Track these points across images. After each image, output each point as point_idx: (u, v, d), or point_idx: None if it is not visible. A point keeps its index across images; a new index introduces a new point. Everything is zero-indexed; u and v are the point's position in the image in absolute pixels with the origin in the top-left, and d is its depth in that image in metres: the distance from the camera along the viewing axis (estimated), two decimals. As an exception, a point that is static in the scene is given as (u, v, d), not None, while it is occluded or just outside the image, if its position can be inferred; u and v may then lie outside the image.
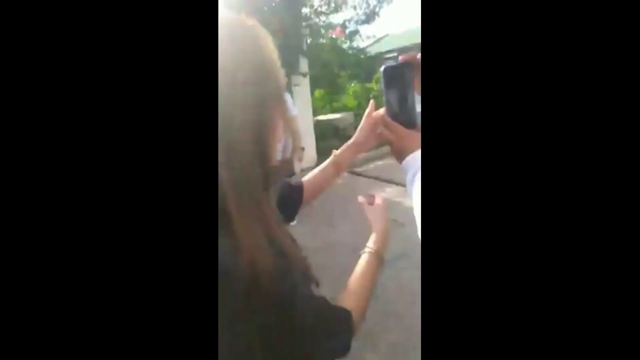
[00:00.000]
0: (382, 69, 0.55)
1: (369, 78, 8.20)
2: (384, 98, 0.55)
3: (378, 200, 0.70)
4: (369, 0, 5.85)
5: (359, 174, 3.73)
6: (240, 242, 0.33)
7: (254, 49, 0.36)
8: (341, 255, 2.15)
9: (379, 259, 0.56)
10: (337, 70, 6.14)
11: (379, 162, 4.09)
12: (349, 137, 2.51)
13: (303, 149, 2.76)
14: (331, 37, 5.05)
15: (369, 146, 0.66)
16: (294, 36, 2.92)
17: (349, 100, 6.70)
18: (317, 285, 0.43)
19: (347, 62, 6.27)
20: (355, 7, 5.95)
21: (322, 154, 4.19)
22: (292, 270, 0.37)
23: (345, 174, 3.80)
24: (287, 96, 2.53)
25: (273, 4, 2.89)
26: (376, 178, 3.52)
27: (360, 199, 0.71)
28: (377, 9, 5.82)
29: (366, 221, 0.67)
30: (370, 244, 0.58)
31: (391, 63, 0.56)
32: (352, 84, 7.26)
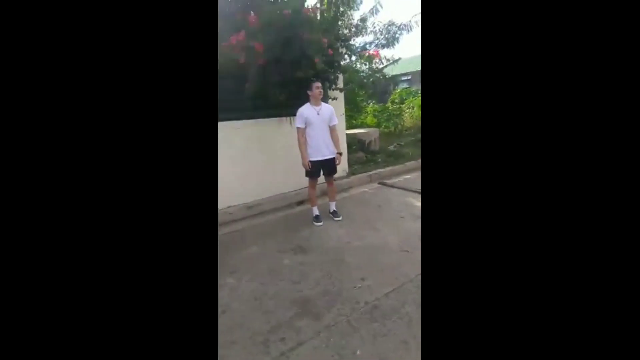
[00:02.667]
0: None
1: (382, 98, 8.53)
2: None
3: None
4: (390, 27, 6.25)
5: (390, 186, 3.86)
6: None
7: None
8: (385, 253, 2.25)
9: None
10: (357, 90, 6.42)
11: (407, 176, 4.25)
12: (374, 151, 2.95)
13: (340, 154, 2.92)
14: (367, 56, 5.35)
15: None
16: (337, 54, 3.17)
17: (368, 118, 6.96)
18: None
19: (366, 83, 6.57)
20: (376, 32, 6.35)
21: (350, 165, 4.35)
22: None
23: (379, 185, 3.91)
24: (332, 108, 2.72)
25: (319, 24, 3.14)
26: (404, 188, 3.66)
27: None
28: (397, 35, 6.22)
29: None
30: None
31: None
32: (371, 103, 7.55)
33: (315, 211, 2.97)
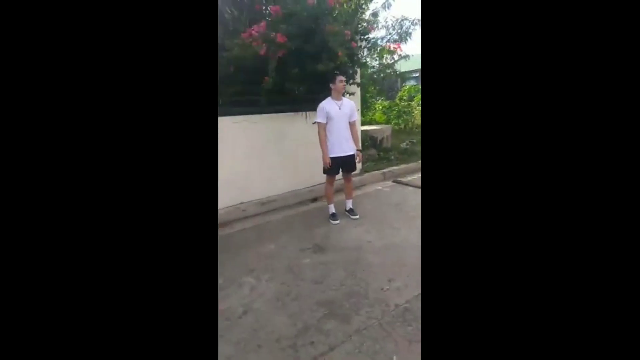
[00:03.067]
0: None
1: (389, 95, 8.42)
2: None
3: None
4: (403, 22, 6.14)
5: (405, 184, 3.78)
6: None
7: None
8: (409, 253, 2.17)
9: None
10: (367, 86, 6.32)
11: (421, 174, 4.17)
12: (386, 148, 2.83)
13: (360, 150, 2.83)
14: (388, 50, 5.23)
15: None
16: (356, 48, 3.07)
17: (377, 115, 6.86)
18: None
19: (376, 78, 6.46)
20: (388, 27, 6.24)
21: (363, 162, 4.26)
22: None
23: (393, 183, 3.83)
24: (354, 103, 2.63)
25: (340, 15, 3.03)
26: (419, 187, 3.58)
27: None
28: (410, 30, 6.11)
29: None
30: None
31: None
32: (380, 100, 7.44)
33: (332, 209, 2.88)
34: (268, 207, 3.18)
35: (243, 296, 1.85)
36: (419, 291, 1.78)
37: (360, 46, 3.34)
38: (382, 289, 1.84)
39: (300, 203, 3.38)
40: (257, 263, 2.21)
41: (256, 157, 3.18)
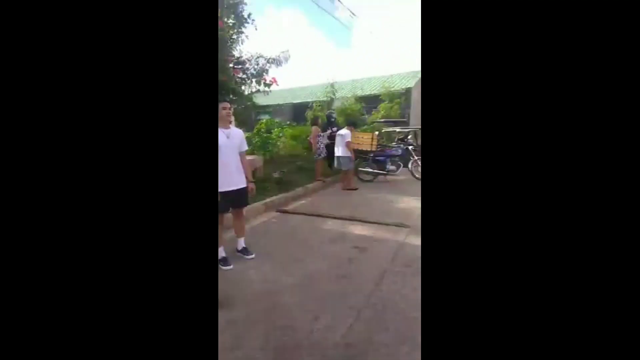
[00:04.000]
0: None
1: (250, 127, 8.47)
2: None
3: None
4: (259, 59, 6.43)
5: (292, 212, 3.74)
6: None
7: None
8: (322, 283, 2.11)
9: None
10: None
11: (302, 201, 4.26)
12: (261, 179, 3.19)
13: (253, 182, 2.61)
14: (265, 83, 5.04)
15: None
16: (238, 77, 2.90)
17: (242, 145, 6.66)
18: None
19: (236, 109, 6.33)
20: (246, 62, 6.36)
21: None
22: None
23: (278, 214, 3.71)
24: (242, 132, 2.41)
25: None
26: (308, 214, 3.65)
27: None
28: (266, 67, 6.44)
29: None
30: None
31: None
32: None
33: (222, 252, 2.44)
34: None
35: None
36: (350, 321, 1.72)
37: (234, 76, 3.19)
38: (312, 331, 1.66)
39: (176, 252, 2.69)
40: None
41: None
